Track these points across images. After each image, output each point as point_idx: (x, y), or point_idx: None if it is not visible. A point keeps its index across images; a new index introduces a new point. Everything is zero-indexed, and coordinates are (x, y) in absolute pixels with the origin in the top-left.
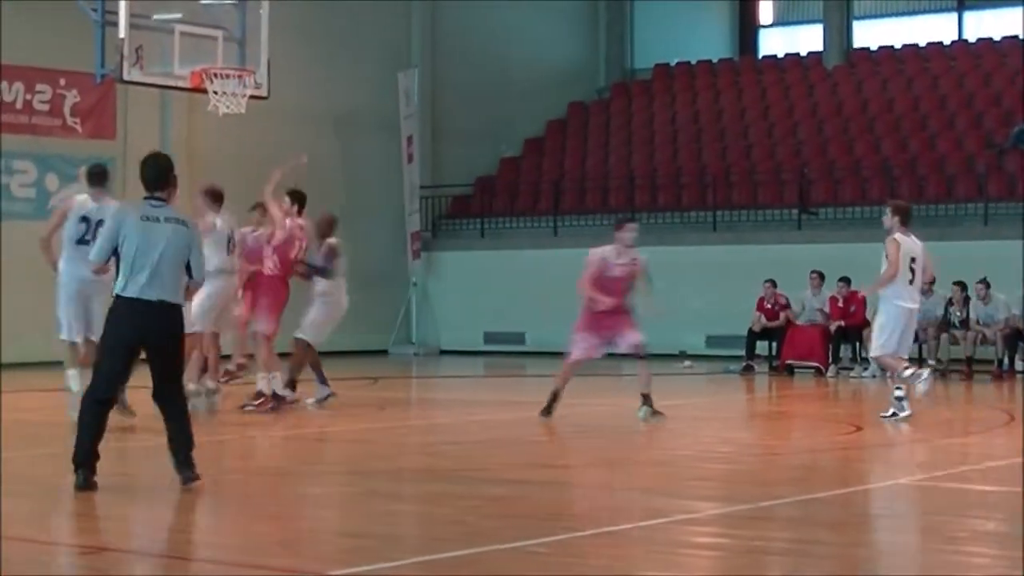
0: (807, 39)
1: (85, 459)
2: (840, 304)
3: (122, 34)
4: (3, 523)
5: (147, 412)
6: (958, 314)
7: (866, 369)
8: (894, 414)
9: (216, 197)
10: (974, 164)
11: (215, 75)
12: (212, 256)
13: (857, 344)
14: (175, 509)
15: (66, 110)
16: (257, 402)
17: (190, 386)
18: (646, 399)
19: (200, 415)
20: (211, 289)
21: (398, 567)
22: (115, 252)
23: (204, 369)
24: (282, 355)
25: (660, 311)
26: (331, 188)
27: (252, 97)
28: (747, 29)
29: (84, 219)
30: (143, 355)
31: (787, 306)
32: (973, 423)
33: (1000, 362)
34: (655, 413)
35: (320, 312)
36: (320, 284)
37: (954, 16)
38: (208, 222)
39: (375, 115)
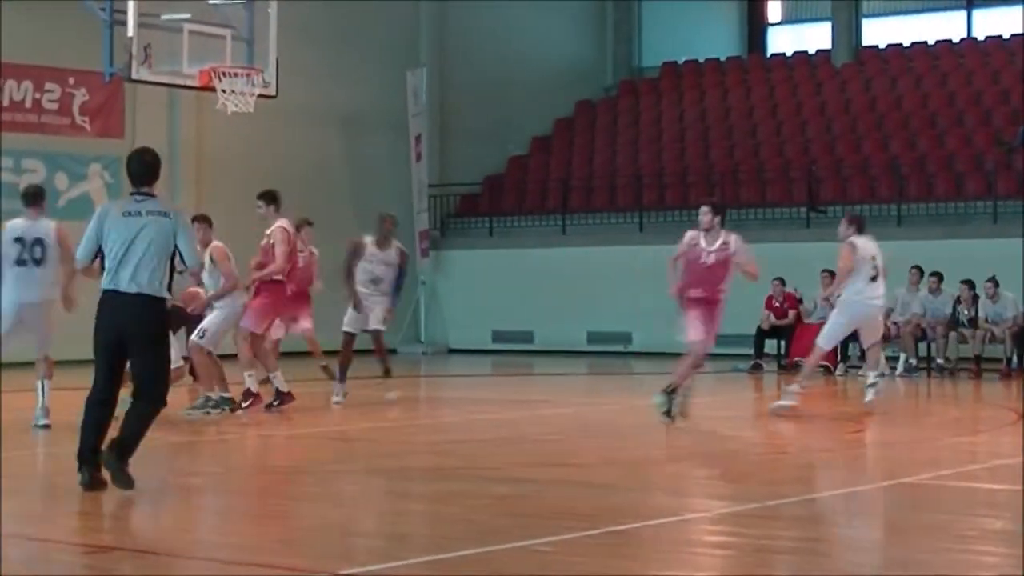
0: (816, 37)
1: (88, 457)
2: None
3: (130, 33)
4: (5, 522)
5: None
6: (966, 312)
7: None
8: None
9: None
10: (983, 162)
11: (223, 74)
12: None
13: None
14: (180, 508)
15: (75, 109)
16: (247, 403)
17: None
18: (672, 392)
19: (208, 419)
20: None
21: (406, 566)
22: (100, 251)
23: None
24: (330, 352)
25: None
26: (339, 187)
27: (260, 96)
28: (755, 27)
29: (18, 240)
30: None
31: (800, 301)
32: (981, 422)
33: (1009, 360)
34: (668, 413)
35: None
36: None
37: (963, 14)
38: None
39: (383, 114)
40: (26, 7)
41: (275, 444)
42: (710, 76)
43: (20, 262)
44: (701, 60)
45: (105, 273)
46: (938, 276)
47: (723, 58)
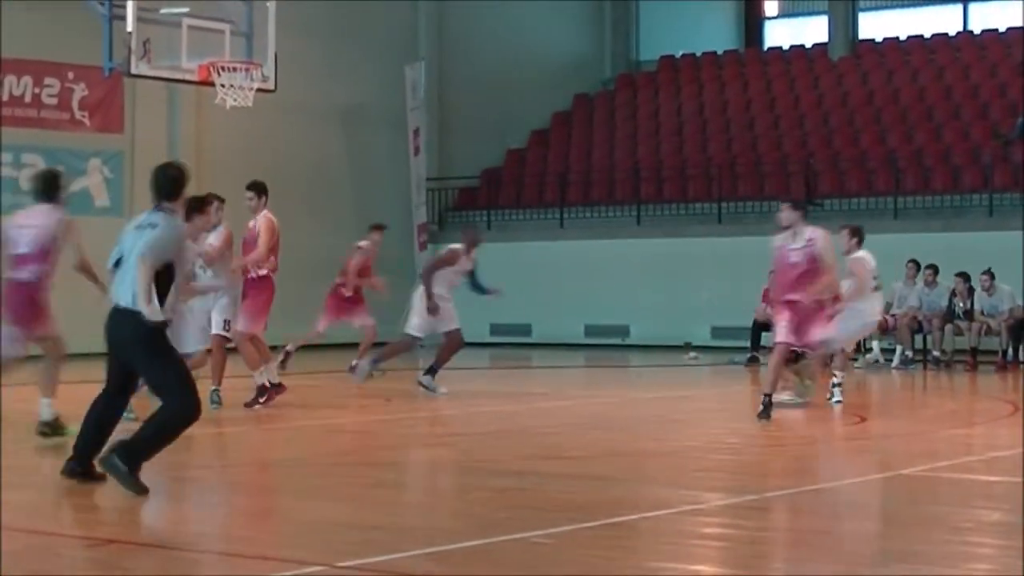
0: (812, 31)
1: (78, 447)
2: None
3: (130, 28)
4: (6, 515)
5: (145, 404)
6: (962, 305)
7: (877, 361)
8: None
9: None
10: (979, 155)
11: (222, 68)
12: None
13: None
14: (181, 501)
15: (74, 104)
16: (263, 399)
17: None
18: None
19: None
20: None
21: (405, 558)
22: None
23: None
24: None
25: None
26: (338, 181)
27: (259, 90)
28: (752, 21)
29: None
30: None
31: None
32: (977, 414)
33: (1004, 353)
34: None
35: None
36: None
37: (959, 7)
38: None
39: (382, 108)
40: (26, 2)
41: (275, 438)
42: (708, 70)
43: None
44: (699, 54)
45: None
46: (934, 269)
47: (720, 52)
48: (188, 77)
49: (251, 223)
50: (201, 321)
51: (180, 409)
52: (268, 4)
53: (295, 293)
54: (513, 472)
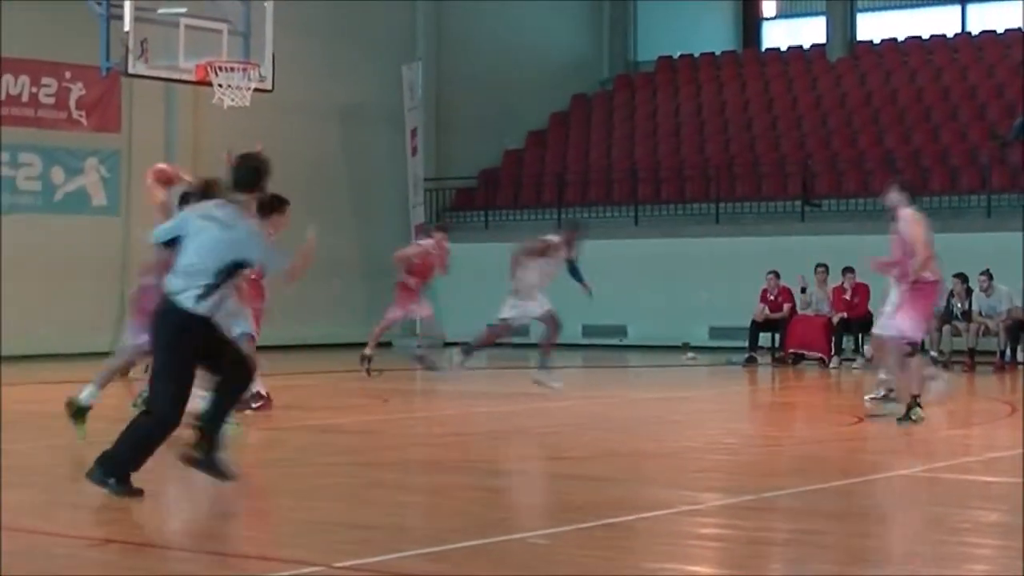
0: (810, 32)
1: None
2: (847, 296)
3: (127, 27)
4: (7, 515)
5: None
6: (960, 306)
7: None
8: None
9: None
10: (977, 156)
11: (220, 68)
12: None
13: (860, 335)
14: (180, 501)
15: (71, 103)
16: (257, 404)
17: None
18: (914, 399)
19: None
20: None
21: (403, 558)
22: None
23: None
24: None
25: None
26: (336, 181)
27: (257, 90)
28: (750, 22)
29: None
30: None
31: (804, 290)
32: (975, 414)
33: (1002, 353)
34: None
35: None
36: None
37: (957, 8)
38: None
39: (380, 108)
40: (24, 2)
41: (272, 437)
42: (705, 70)
43: None
44: (696, 55)
45: None
46: None
47: (718, 52)
48: (185, 77)
49: None
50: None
51: (157, 412)
52: (266, 4)
53: (293, 293)
54: (511, 472)
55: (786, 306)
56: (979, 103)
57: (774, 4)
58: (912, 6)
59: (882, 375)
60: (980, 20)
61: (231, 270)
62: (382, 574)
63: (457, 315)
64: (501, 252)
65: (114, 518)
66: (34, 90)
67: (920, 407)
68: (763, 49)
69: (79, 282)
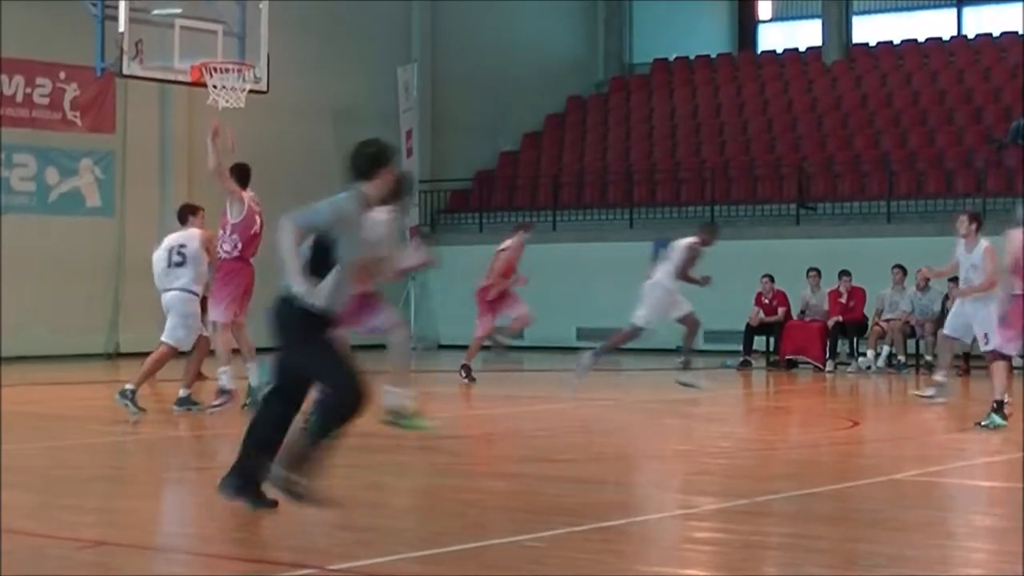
0: (806, 34)
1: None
2: (842, 299)
3: (122, 28)
4: (3, 516)
5: (141, 406)
6: None
7: (870, 367)
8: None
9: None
10: (973, 159)
11: (214, 69)
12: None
13: (855, 339)
14: (174, 503)
15: (66, 104)
16: (218, 401)
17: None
18: (999, 406)
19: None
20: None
21: (397, 561)
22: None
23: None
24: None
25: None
26: (331, 182)
27: (251, 91)
28: (746, 24)
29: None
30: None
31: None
32: (970, 418)
33: None
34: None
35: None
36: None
37: (953, 11)
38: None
39: (374, 109)
40: (18, 2)
41: None
42: (701, 73)
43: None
44: (692, 57)
45: None
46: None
47: (714, 55)
48: (180, 78)
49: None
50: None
51: (342, 398)
52: (260, 5)
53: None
54: (504, 475)
55: (781, 310)
56: (975, 106)
57: (770, 6)
58: (908, 9)
59: (938, 377)
60: (976, 23)
61: (328, 256)
62: None
63: (451, 317)
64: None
65: (107, 520)
66: (29, 91)
67: (1000, 414)
68: (759, 51)
69: (73, 283)
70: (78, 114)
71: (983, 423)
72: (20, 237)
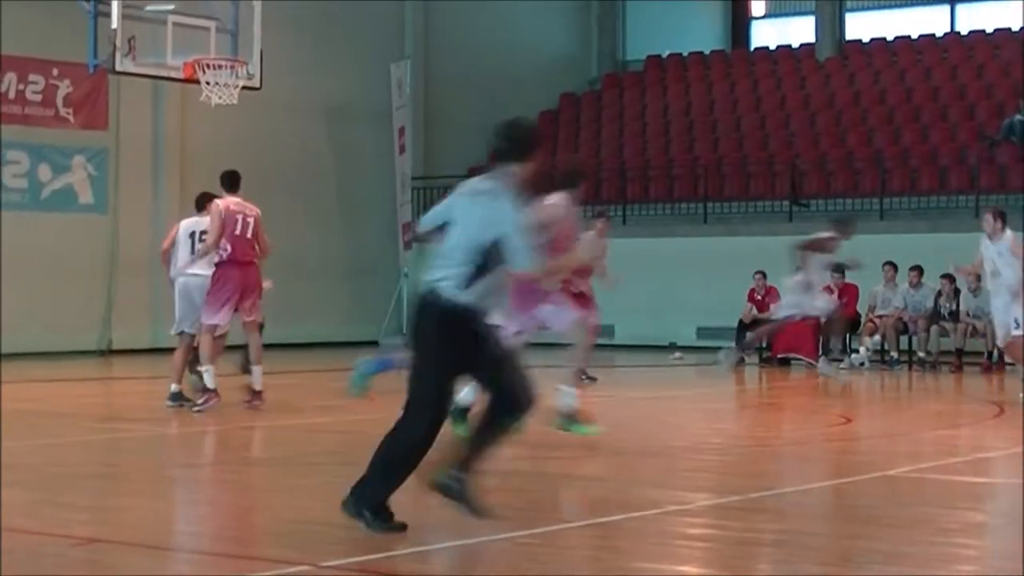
0: (799, 31)
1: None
2: (835, 296)
3: (115, 25)
4: (1, 514)
5: (133, 403)
6: (948, 306)
7: (863, 364)
8: None
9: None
10: (966, 156)
11: (207, 66)
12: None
13: (848, 335)
14: (167, 500)
15: (59, 100)
16: (202, 400)
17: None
18: None
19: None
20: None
21: (390, 558)
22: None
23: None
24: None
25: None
26: (323, 179)
27: (244, 88)
28: (739, 21)
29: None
30: None
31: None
32: (963, 415)
33: (990, 354)
34: None
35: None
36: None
37: (947, 8)
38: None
39: (367, 106)
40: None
41: (259, 436)
42: (694, 70)
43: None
44: (685, 54)
45: None
46: (918, 270)
47: (707, 52)
48: (173, 74)
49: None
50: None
51: (415, 428)
52: (254, 3)
53: (280, 290)
54: (499, 472)
55: (773, 306)
56: (968, 103)
57: (763, 3)
58: (901, 6)
59: None
60: (969, 20)
61: (493, 251)
62: (368, 574)
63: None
64: None
65: (101, 518)
66: (21, 87)
67: None
68: (752, 48)
69: (66, 280)
70: (71, 111)
71: None
72: (12, 234)
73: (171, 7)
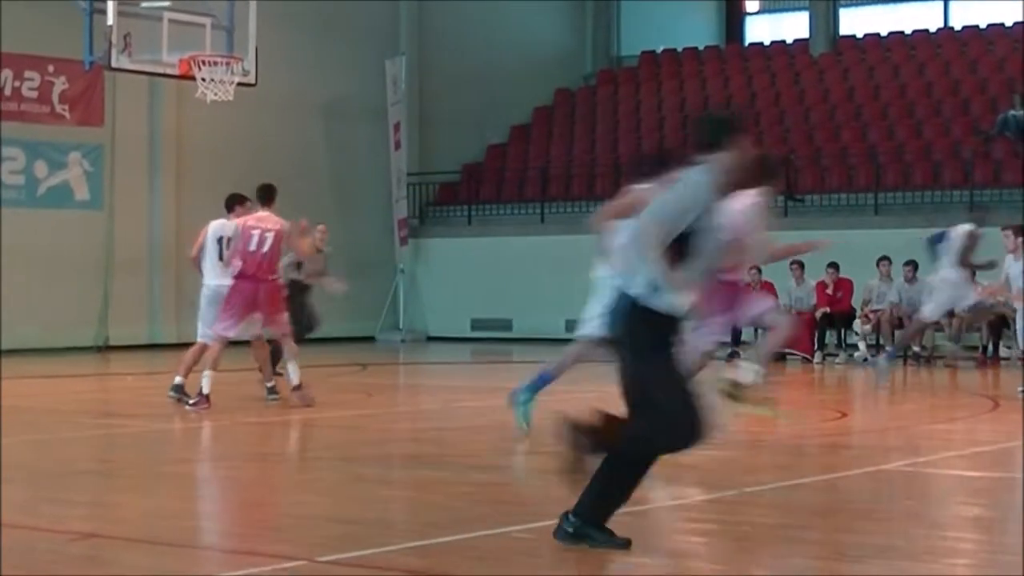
0: (793, 26)
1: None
2: (829, 291)
3: (110, 21)
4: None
5: (129, 399)
6: None
7: (866, 359)
8: None
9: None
10: (960, 151)
11: (203, 62)
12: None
13: (842, 330)
14: (164, 495)
15: (55, 97)
16: (194, 401)
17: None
18: None
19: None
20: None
21: (387, 552)
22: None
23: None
24: None
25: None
26: (319, 175)
27: (240, 84)
28: (733, 16)
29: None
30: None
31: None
32: (958, 409)
33: (985, 349)
34: None
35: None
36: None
37: (940, 4)
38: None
39: (362, 102)
40: None
41: (257, 432)
42: (688, 65)
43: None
44: (680, 49)
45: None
46: (913, 265)
47: (701, 47)
48: (169, 71)
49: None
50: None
51: (648, 432)
52: (250, 1)
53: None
54: (494, 467)
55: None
56: (962, 98)
57: None
58: (895, 1)
59: None
60: (963, 15)
61: (692, 240)
62: (365, 568)
63: (439, 310)
64: (484, 247)
65: (98, 513)
66: (17, 84)
67: None
68: (746, 44)
69: (62, 277)
70: (67, 107)
71: None
72: (9, 231)
73: (167, 3)
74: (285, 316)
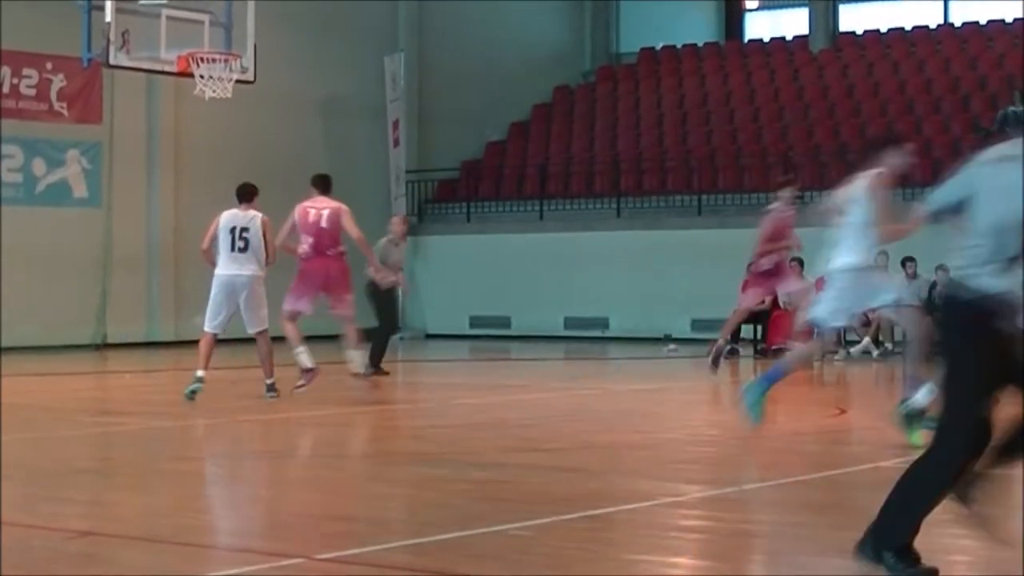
0: (793, 23)
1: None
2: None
3: (108, 18)
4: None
5: (127, 396)
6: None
7: (868, 352)
8: None
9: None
10: (960, 148)
11: (201, 59)
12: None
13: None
14: (162, 493)
15: (53, 94)
16: (300, 382)
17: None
18: None
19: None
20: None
21: (385, 550)
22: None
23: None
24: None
25: None
26: (316, 172)
27: (238, 81)
28: (733, 13)
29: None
30: None
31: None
32: None
33: None
34: None
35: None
36: None
37: (940, 0)
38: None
39: (361, 99)
40: None
41: (255, 429)
42: (688, 62)
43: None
44: (679, 46)
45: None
46: (912, 261)
47: (701, 44)
48: (167, 68)
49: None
50: None
51: (946, 451)
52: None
53: (274, 284)
54: (492, 464)
55: (768, 299)
56: (962, 95)
57: None
58: None
59: None
60: (963, 12)
61: None
62: (363, 566)
63: (438, 307)
64: (483, 245)
65: (96, 511)
66: (15, 81)
67: None
68: (745, 40)
69: (60, 274)
70: (65, 105)
71: None
72: (7, 229)
73: (165, 1)
74: (351, 298)
